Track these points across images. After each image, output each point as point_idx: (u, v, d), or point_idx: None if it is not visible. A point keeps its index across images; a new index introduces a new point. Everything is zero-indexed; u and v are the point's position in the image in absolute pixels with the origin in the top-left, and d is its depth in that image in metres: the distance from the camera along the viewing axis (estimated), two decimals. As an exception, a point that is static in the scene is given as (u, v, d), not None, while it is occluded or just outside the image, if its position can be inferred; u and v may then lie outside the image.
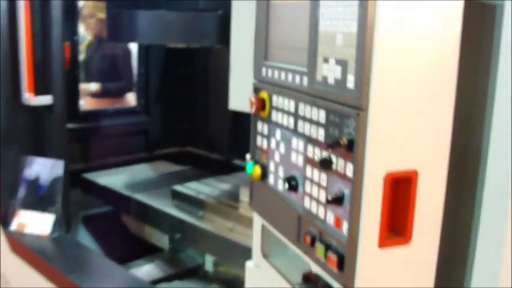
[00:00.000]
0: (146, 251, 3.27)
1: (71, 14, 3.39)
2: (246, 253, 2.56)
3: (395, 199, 1.01)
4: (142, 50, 3.91)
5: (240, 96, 2.73)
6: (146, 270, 3.03)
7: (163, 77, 4.06)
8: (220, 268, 2.94)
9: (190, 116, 4.13)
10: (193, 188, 3.03)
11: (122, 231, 3.39)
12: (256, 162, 1.38)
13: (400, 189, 1.01)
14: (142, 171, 3.73)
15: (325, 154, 1.06)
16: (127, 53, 4.23)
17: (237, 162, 3.80)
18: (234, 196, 2.86)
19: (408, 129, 0.98)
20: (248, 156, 1.46)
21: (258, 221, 1.43)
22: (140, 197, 3.15)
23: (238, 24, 2.66)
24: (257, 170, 1.34)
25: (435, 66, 0.98)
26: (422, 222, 1.04)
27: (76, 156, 3.52)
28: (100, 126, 3.76)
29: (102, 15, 4.02)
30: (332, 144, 1.00)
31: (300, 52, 1.15)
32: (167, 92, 4.06)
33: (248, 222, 2.74)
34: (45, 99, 2.86)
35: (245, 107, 2.66)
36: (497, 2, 1.07)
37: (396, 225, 1.03)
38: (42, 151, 2.92)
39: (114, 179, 3.50)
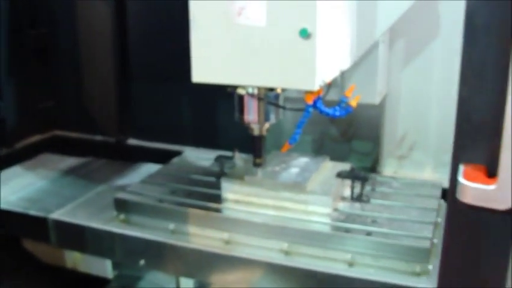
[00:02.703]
0: (73, 283, 2.47)
1: None
2: (247, 266, 2.01)
3: None
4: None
5: (206, 65, 2.02)
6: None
7: (10, 44, 3.00)
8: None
9: (53, 90, 3.17)
10: (142, 193, 2.25)
11: (30, 262, 2.49)
12: None
13: None
14: (27, 175, 2.73)
15: None
16: None
17: (134, 142, 3.04)
18: (209, 196, 2.19)
19: None
20: None
21: None
22: (62, 216, 2.23)
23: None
24: None
25: None
26: None
27: None
28: None
29: None
30: None
31: None
32: (18, 63, 3.02)
33: (245, 228, 2.14)
34: None
35: (214, 78, 2.00)
36: None
37: None
38: None
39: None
